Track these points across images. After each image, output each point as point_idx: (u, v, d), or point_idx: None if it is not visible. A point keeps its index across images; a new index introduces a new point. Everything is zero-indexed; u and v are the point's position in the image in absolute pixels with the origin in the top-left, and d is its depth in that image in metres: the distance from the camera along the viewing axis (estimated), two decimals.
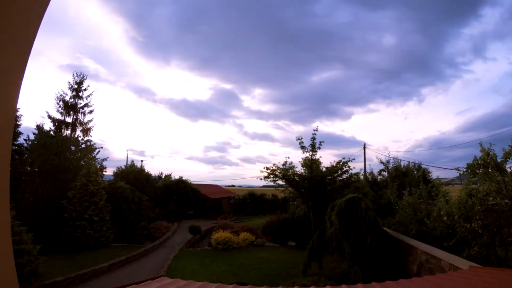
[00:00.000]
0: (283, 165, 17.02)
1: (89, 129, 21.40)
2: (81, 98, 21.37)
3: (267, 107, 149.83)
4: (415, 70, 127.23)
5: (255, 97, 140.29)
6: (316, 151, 16.37)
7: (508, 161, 7.46)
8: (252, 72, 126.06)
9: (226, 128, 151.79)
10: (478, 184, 8.57)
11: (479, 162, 7.78)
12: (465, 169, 8.23)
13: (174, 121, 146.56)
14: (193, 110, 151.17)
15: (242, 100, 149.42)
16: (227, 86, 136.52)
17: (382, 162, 20.58)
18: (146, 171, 29.03)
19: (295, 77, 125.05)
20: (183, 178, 33.36)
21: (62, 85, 21.64)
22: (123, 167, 28.60)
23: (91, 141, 20.19)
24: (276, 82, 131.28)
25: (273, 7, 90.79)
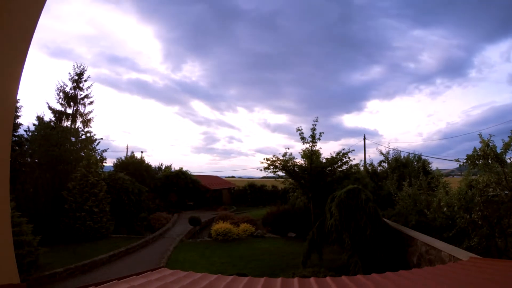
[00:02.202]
0: (283, 156, 17.01)
1: (89, 120, 21.28)
2: (81, 89, 21.22)
3: (298, 103, 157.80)
4: (445, 75, 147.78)
5: (290, 94, 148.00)
6: (316, 142, 16.35)
7: (507, 152, 7.43)
8: (293, 72, 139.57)
9: (250, 119, 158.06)
10: (478, 175, 8.55)
11: (478, 153, 7.75)
12: (465, 160, 8.21)
13: (207, 113, 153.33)
14: (224, 103, 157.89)
15: (276, 95, 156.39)
16: (264, 82, 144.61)
17: (382, 153, 20.60)
18: (146, 162, 29.07)
19: (334, 79, 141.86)
20: (183, 169, 33.41)
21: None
22: (123, 158, 28.64)
23: (91, 132, 20.19)
24: (314, 82, 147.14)
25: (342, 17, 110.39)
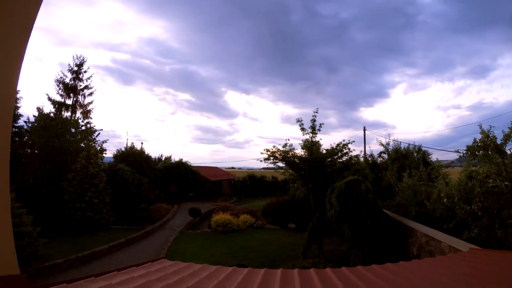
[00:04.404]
0: (283, 147, 16.99)
1: (89, 111, 21.28)
2: (81, 80, 21.18)
3: (331, 99, 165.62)
4: (471, 76, 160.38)
5: (328, 92, 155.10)
6: (316, 133, 16.34)
7: (508, 143, 7.41)
8: (342, 71, 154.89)
9: (273, 112, 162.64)
10: (478, 166, 8.53)
11: (479, 144, 7.72)
12: (465, 151, 8.19)
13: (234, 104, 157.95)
14: (251, 96, 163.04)
15: (313, 93, 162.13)
16: (307, 80, 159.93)
17: (382, 144, 20.57)
18: (146, 153, 29.02)
19: (371, 79, 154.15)
20: (183, 160, 33.38)
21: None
22: (123, 149, 28.58)
23: (91, 123, 20.17)
24: (353, 81, 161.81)
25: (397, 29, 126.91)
